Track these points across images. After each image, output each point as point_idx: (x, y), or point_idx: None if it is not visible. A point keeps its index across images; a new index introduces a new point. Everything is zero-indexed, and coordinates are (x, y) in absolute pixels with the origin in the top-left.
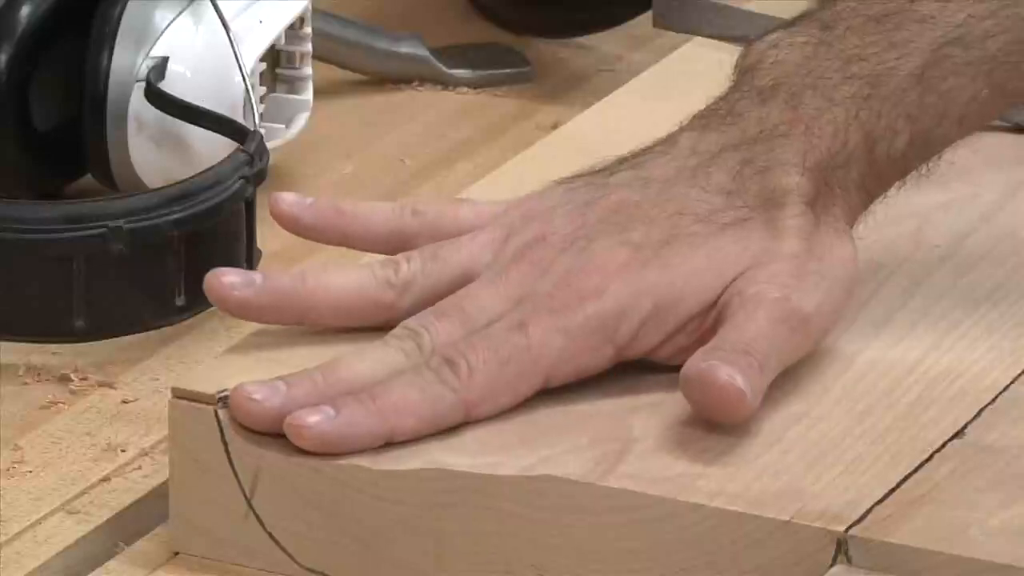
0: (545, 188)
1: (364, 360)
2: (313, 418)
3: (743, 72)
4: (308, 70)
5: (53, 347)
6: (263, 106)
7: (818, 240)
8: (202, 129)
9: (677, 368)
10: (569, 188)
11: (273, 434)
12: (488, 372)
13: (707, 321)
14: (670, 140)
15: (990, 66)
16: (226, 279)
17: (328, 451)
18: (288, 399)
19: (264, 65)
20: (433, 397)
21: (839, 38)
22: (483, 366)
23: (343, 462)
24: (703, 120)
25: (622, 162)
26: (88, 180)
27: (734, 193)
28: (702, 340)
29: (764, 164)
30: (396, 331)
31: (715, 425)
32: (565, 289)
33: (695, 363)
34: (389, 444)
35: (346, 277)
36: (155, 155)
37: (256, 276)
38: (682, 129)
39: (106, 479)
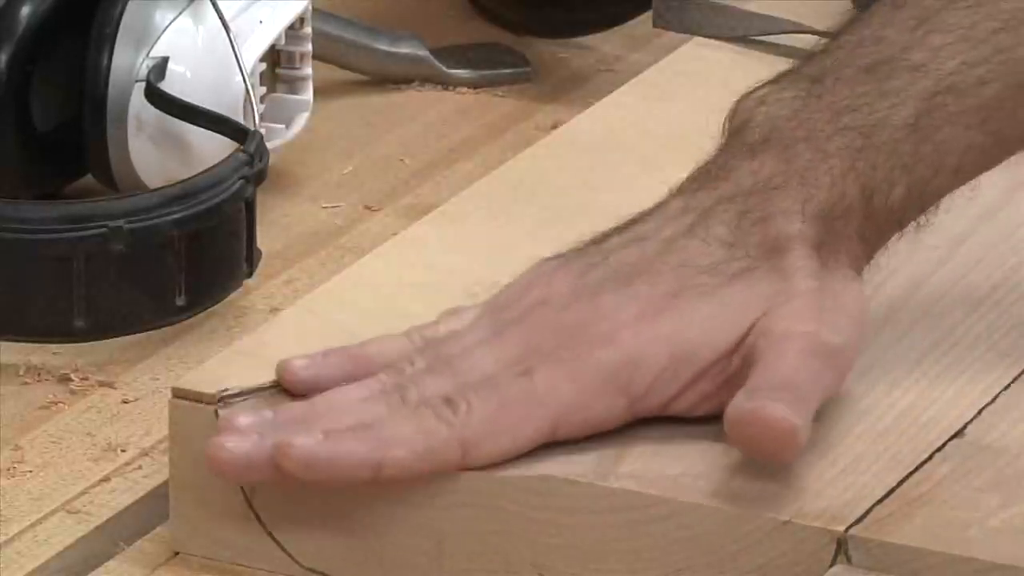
0: (534, 265)
1: (346, 406)
2: (300, 439)
3: (732, 132)
4: (308, 70)
5: (53, 347)
6: (263, 106)
7: (828, 282)
8: (202, 129)
9: (699, 419)
10: (562, 260)
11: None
12: (488, 411)
13: (731, 366)
14: (659, 205)
15: (985, 114)
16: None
17: (314, 476)
18: (274, 429)
19: (264, 65)
20: (428, 431)
21: (829, 90)
22: (483, 404)
23: None
24: (693, 182)
25: (611, 232)
26: (88, 180)
27: (735, 245)
28: (728, 385)
29: (762, 214)
30: (382, 381)
31: (714, 425)
32: (573, 339)
33: (740, 404)
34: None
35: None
36: (155, 155)
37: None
38: (671, 194)
39: (106, 479)
